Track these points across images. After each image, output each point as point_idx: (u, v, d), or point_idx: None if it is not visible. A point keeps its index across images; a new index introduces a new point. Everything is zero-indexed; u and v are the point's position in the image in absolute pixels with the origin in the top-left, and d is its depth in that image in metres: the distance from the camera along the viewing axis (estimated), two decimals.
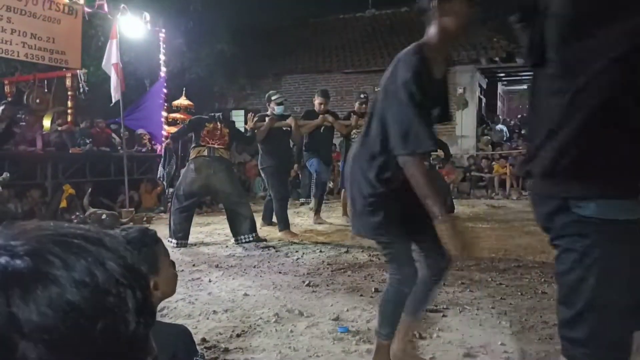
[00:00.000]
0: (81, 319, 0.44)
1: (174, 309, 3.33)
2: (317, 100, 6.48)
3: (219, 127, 5.72)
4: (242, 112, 15.27)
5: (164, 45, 9.19)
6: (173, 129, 9.15)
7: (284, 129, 6.14)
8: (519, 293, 3.62)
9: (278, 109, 6.12)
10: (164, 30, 9.15)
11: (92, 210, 6.96)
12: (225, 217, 8.02)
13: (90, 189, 7.34)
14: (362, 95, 6.70)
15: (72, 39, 7.98)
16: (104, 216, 6.81)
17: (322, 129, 6.50)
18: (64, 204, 7.13)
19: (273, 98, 6.18)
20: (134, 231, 1.44)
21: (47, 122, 8.53)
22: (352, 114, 6.66)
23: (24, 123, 7.55)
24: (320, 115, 6.34)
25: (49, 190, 7.32)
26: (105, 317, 0.45)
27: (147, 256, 1.39)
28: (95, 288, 0.46)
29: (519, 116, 17.40)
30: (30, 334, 0.42)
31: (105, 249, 0.49)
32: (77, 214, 6.96)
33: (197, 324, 3.07)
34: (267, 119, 6.06)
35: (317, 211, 7.04)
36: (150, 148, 9.19)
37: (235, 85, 14.35)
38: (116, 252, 0.49)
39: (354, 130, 6.42)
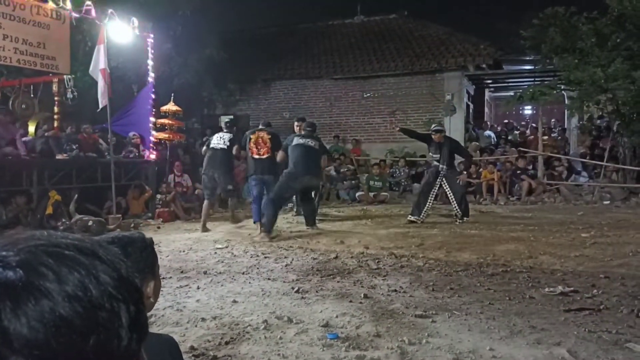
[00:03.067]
0: (73, 335, 0.43)
1: (161, 317, 3.30)
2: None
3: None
4: (231, 117, 15.25)
5: (152, 51, 9.14)
6: (162, 135, 9.11)
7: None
8: (507, 298, 3.64)
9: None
10: (152, 35, 9.10)
11: (78, 216, 6.88)
12: (213, 223, 8.02)
13: (76, 196, 7.25)
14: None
15: (61, 44, 7.90)
16: (90, 223, 6.74)
17: None
18: (49, 210, 7.04)
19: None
20: (135, 233, 1.45)
21: (32, 128, 8.43)
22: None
23: None
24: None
25: (35, 196, 7.22)
26: (98, 333, 0.44)
27: (148, 258, 1.39)
28: (88, 302, 0.44)
29: (505, 121, 17.58)
30: (21, 349, 0.41)
31: (99, 261, 0.48)
32: (63, 220, 6.88)
33: (185, 331, 3.05)
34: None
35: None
36: (138, 154, 9.12)
37: (224, 91, 14.32)
38: (110, 264, 0.48)
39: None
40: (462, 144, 12.93)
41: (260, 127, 7.49)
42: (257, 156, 7.07)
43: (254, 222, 7.19)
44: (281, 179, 6.86)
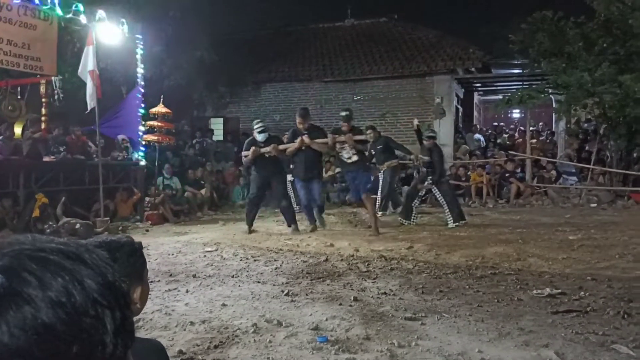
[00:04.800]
0: (56, 342, 0.42)
1: (149, 321, 3.27)
2: (297, 120, 7.09)
3: None
4: (221, 120, 15.20)
5: (142, 52, 9.09)
6: (151, 137, 9.05)
7: (267, 155, 6.92)
8: (496, 300, 3.67)
9: (259, 137, 7.01)
10: (141, 37, 9.05)
11: (65, 219, 6.80)
12: (202, 226, 7.99)
13: (64, 198, 7.17)
14: (343, 113, 6.97)
15: (47, 46, 7.82)
16: (78, 226, 6.67)
17: (302, 147, 6.92)
18: (36, 213, 6.95)
19: (254, 127, 7.11)
20: (123, 237, 1.43)
21: (19, 130, 8.32)
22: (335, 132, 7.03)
23: None
24: (299, 139, 6.85)
25: (21, 199, 7.13)
26: (82, 340, 0.43)
27: (136, 263, 1.37)
28: (71, 309, 0.44)
29: (495, 124, 17.73)
30: (1, 357, 0.41)
31: (85, 266, 0.47)
32: (50, 223, 6.79)
33: (173, 335, 3.03)
34: (252, 149, 6.88)
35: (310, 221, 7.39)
36: (126, 156, 9.05)
37: (215, 93, 14.25)
38: (96, 268, 0.48)
39: (338, 146, 6.88)
40: (452, 146, 13.07)
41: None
42: None
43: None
44: None
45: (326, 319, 3.26)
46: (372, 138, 8.74)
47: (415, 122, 8.82)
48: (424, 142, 7.85)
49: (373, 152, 8.94)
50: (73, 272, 0.46)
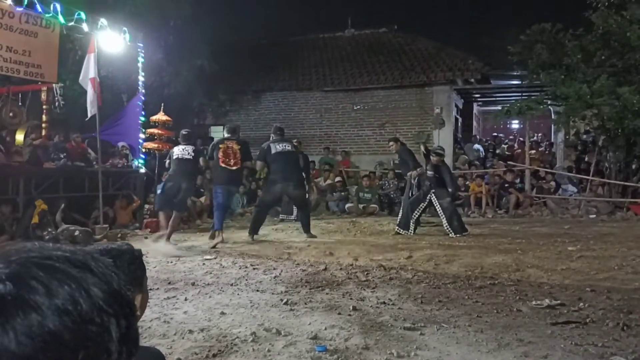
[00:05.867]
0: (61, 350, 0.43)
1: (148, 329, 3.26)
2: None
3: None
4: (221, 128, 15.23)
5: (143, 60, 9.13)
6: (151, 144, 9.07)
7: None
8: (495, 311, 3.66)
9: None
10: (142, 45, 9.10)
11: (64, 226, 6.79)
12: (201, 234, 7.98)
13: (63, 205, 7.16)
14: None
15: (48, 53, 7.86)
16: (77, 233, 6.66)
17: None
18: (35, 219, 6.93)
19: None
20: (124, 244, 1.43)
21: (20, 136, 8.34)
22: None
23: None
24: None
25: (21, 205, 7.12)
26: (87, 348, 0.44)
27: (136, 271, 1.37)
28: (78, 316, 0.44)
29: (494, 135, 17.78)
30: None
31: (91, 274, 0.48)
32: (49, 230, 6.78)
33: (172, 343, 3.02)
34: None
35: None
36: (126, 163, 9.06)
37: (215, 101, 14.31)
38: (102, 277, 0.48)
39: None
40: (452, 156, 13.08)
41: (227, 135, 7.32)
42: (226, 166, 6.90)
43: (215, 230, 6.90)
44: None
45: (325, 328, 3.25)
46: (394, 149, 8.77)
47: (422, 148, 8.79)
48: (432, 157, 7.83)
49: (398, 163, 9.10)
50: (79, 280, 0.47)
